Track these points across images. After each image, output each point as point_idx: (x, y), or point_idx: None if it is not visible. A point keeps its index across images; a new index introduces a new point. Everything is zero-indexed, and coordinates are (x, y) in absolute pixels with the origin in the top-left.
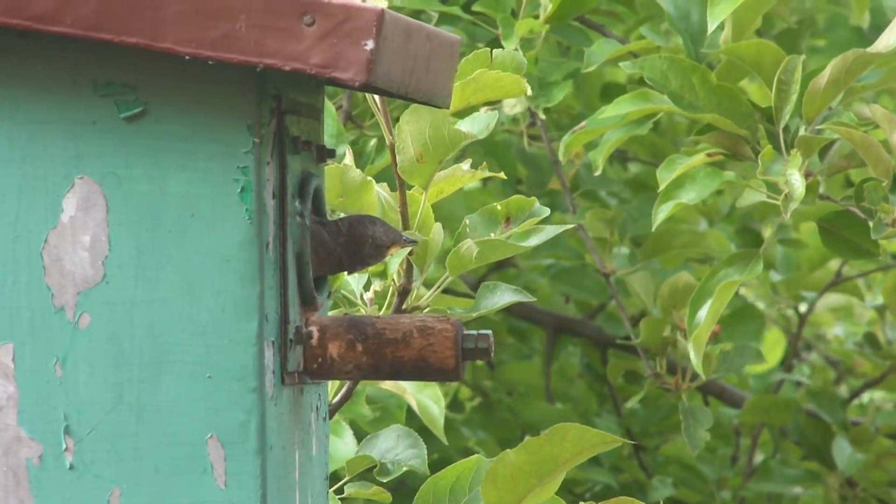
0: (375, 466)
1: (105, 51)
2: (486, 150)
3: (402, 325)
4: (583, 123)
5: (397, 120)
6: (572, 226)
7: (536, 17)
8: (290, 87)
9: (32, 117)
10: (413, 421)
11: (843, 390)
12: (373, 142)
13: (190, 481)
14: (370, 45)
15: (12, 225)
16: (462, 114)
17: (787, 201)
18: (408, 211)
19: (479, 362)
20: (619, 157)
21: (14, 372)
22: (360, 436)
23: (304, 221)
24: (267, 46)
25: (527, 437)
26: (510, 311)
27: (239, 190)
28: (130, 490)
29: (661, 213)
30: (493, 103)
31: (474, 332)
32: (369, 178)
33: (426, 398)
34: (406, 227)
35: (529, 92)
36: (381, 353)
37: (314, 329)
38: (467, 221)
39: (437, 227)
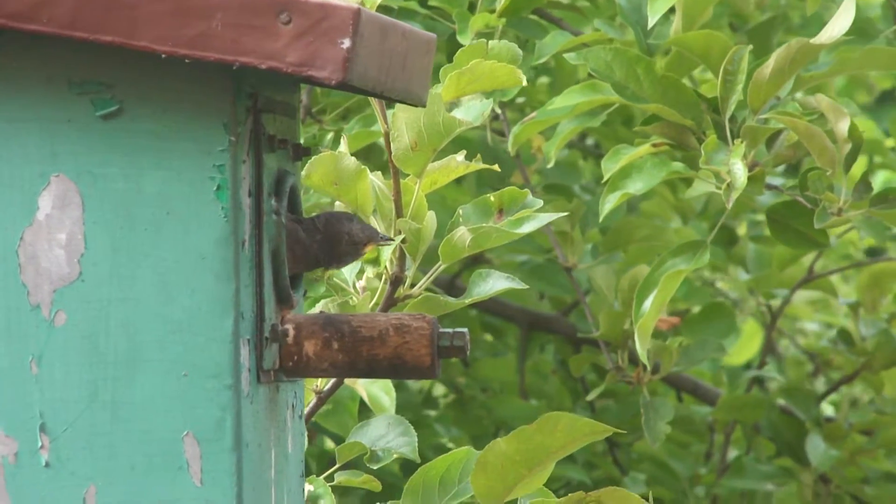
0: (366, 453)
1: (81, 49)
2: (454, 146)
3: (378, 323)
4: (533, 114)
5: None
6: (566, 213)
7: (493, 11)
8: (266, 86)
9: (7, 115)
10: (365, 413)
11: (821, 383)
12: (329, 136)
13: (166, 479)
14: (346, 43)
15: None
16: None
17: (730, 190)
18: (401, 199)
19: (454, 359)
20: (594, 152)
21: None
22: (318, 428)
23: (280, 219)
24: (243, 45)
25: (520, 427)
26: (484, 307)
27: (215, 188)
28: (106, 488)
29: (608, 203)
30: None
31: (450, 329)
32: (364, 166)
33: (377, 389)
34: (399, 215)
35: (525, 82)
36: (356, 351)
37: (290, 327)
38: (461, 212)
39: (431, 215)
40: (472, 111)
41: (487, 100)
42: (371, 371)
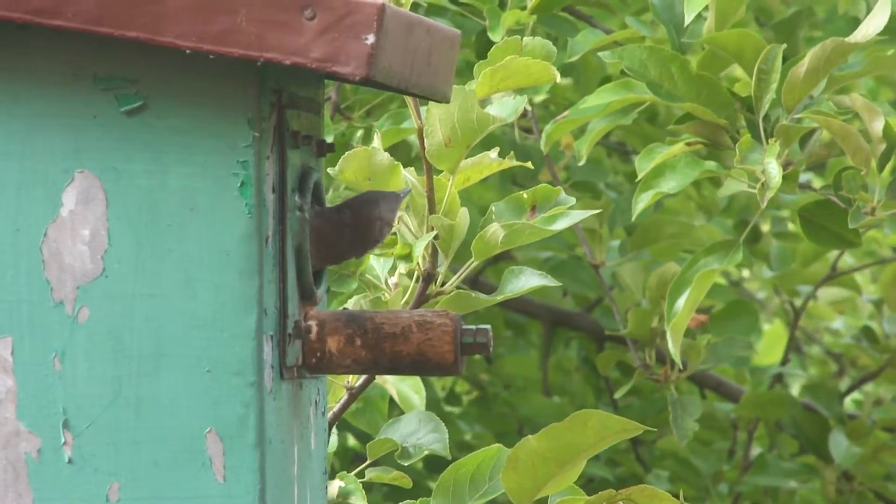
0: (397, 450)
1: (106, 45)
2: (482, 143)
3: (401, 319)
4: (566, 113)
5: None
6: (599, 210)
7: (524, 8)
8: (290, 82)
9: (32, 111)
10: (394, 412)
11: (846, 383)
12: (359, 133)
13: (189, 475)
14: (371, 39)
15: (12, 219)
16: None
17: (764, 190)
18: (434, 196)
19: (477, 356)
20: (619, 149)
21: (13, 366)
22: (342, 427)
23: (304, 216)
24: (267, 40)
25: (551, 425)
26: (508, 303)
27: (238, 184)
28: (129, 484)
29: (641, 202)
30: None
31: (473, 326)
32: (397, 161)
33: (407, 388)
34: (432, 211)
35: (559, 79)
36: (379, 348)
37: (313, 323)
38: (493, 208)
39: (464, 212)
40: (506, 108)
41: (521, 96)
42: (394, 368)
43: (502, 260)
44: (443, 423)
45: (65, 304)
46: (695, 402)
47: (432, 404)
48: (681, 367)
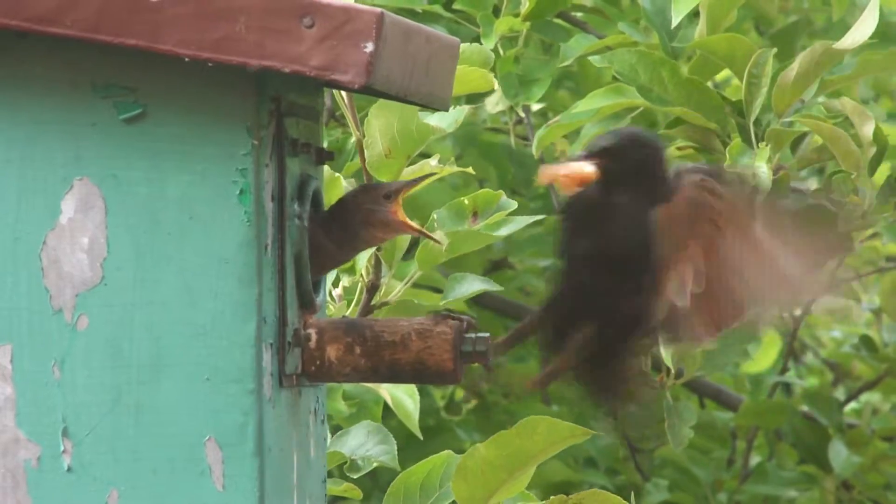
0: (346, 463)
1: (105, 52)
2: (479, 151)
3: (401, 327)
4: (557, 118)
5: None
6: (542, 217)
7: (517, 14)
8: (289, 89)
9: (32, 119)
10: (389, 416)
11: (841, 393)
12: (353, 139)
13: (188, 483)
14: (370, 47)
15: (11, 226)
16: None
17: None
18: None
19: (476, 364)
20: None
21: (12, 373)
22: (336, 431)
23: (303, 224)
24: (266, 48)
25: (499, 432)
26: (507, 313)
27: (238, 192)
28: (128, 492)
29: None
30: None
31: (473, 335)
32: (337, 174)
33: (401, 393)
34: None
35: (496, 87)
36: (379, 356)
37: (312, 331)
38: (435, 216)
39: None
40: (447, 118)
41: (461, 106)
42: (393, 376)
43: (501, 269)
44: (391, 435)
45: (64, 311)
46: (690, 408)
47: (431, 412)
48: (674, 372)
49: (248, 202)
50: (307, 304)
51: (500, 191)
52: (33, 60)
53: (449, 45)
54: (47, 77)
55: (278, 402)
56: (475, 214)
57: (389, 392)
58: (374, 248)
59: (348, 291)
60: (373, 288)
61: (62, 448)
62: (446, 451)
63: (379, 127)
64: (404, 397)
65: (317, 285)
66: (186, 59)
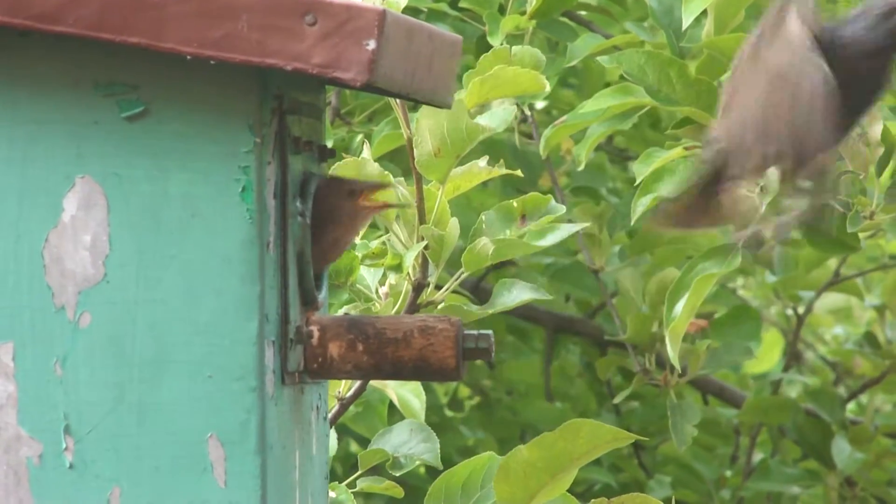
0: (388, 460)
1: (107, 50)
2: (485, 151)
3: (403, 324)
4: (564, 117)
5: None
6: (587, 224)
7: (523, 13)
8: (291, 87)
9: (33, 117)
10: (394, 416)
11: (842, 391)
12: (359, 137)
13: (190, 481)
14: (372, 45)
15: (13, 224)
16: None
17: (763, 194)
18: (424, 206)
19: (479, 361)
20: (619, 155)
21: (14, 371)
22: (344, 432)
23: (305, 221)
24: (269, 46)
25: (543, 434)
26: (508, 311)
27: (240, 190)
28: (130, 490)
29: (640, 206)
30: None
31: (475, 331)
32: (386, 171)
33: (407, 392)
34: (422, 221)
35: (549, 88)
36: (381, 353)
37: (315, 329)
38: (483, 218)
39: (454, 222)
40: (496, 118)
41: (511, 106)
42: (396, 373)
43: (505, 266)
44: (434, 433)
45: (66, 309)
46: (693, 407)
47: (435, 410)
48: (680, 371)
49: (250, 200)
50: (309, 301)
51: (549, 195)
52: (35, 59)
53: (451, 43)
54: (49, 75)
55: (280, 400)
56: (523, 217)
57: (395, 391)
58: (422, 246)
59: (394, 290)
60: (419, 287)
61: (64, 445)
62: (488, 453)
63: (429, 126)
64: (411, 396)
65: (318, 281)
66: (188, 57)
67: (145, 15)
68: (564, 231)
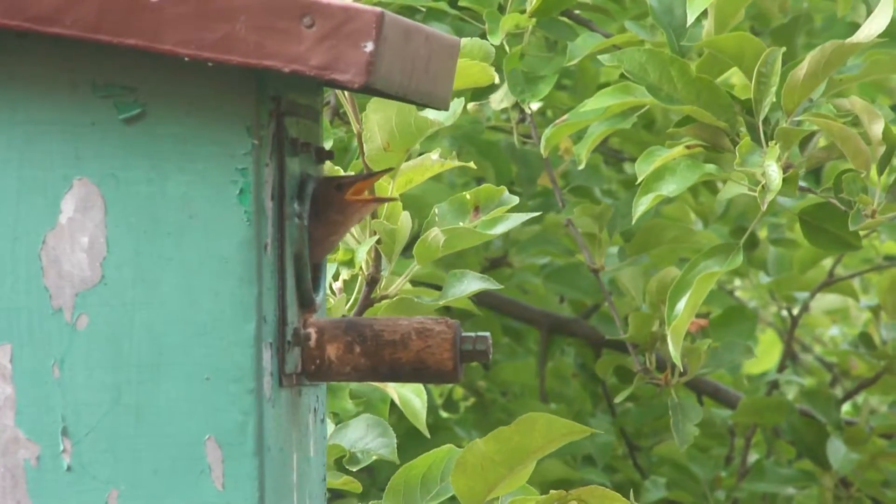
0: (345, 455)
1: (104, 52)
2: (478, 150)
3: (401, 326)
4: (565, 116)
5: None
6: (536, 214)
7: (523, 12)
8: (289, 89)
9: (31, 118)
10: (396, 414)
11: (838, 392)
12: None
13: (188, 483)
14: (370, 46)
15: (11, 226)
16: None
17: (765, 193)
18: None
19: (474, 363)
20: (615, 157)
21: (12, 373)
22: None
23: (303, 223)
24: (266, 48)
25: (499, 428)
26: (505, 310)
27: (237, 191)
28: (128, 491)
29: (641, 205)
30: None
31: (472, 333)
32: (336, 167)
33: (408, 391)
34: (374, 216)
35: (497, 80)
36: (379, 355)
37: (312, 331)
38: (436, 210)
39: (405, 215)
40: (445, 112)
41: (459, 99)
42: (393, 375)
43: (499, 267)
44: (391, 428)
45: (63, 311)
46: (695, 406)
47: (430, 410)
48: (681, 370)
49: (247, 202)
50: (307, 303)
51: (502, 186)
52: (33, 60)
53: (449, 45)
54: (47, 77)
55: (278, 402)
56: (476, 209)
57: (397, 390)
58: (374, 241)
59: (348, 284)
60: (372, 281)
61: (62, 447)
62: (447, 446)
63: (377, 121)
64: (412, 396)
65: (315, 283)
66: (186, 59)
67: (143, 17)
68: (515, 220)
